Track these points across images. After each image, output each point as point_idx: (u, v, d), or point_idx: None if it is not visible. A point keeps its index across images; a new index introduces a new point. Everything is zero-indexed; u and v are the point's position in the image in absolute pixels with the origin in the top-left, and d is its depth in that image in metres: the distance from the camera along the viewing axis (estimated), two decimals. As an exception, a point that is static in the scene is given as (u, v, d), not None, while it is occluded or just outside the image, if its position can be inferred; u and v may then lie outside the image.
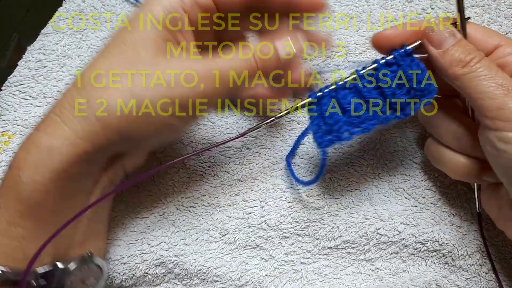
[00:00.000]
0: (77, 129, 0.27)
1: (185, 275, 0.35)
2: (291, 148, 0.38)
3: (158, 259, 0.35)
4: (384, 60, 0.31)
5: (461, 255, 0.35)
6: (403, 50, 0.31)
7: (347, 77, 0.32)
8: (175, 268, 0.35)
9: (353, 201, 0.37)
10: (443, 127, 0.32)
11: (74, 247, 0.31)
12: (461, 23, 0.30)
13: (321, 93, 0.32)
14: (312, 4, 0.32)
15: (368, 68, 0.31)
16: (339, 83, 0.32)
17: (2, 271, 0.27)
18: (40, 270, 0.28)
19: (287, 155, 0.38)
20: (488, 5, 0.41)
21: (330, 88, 0.32)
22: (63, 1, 0.43)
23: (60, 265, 0.29)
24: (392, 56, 0.31)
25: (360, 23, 0.41)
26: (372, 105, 0.31)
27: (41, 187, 0.27)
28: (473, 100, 0.28)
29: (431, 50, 0.30)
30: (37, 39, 0.42)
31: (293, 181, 0.37)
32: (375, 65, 0.31)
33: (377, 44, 0.32)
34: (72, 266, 0.29)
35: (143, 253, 0.35)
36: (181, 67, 0.28)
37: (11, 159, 0.28)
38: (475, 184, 0.34)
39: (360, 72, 0.31)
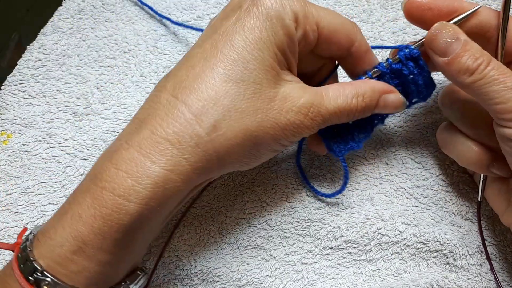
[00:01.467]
0: (197, 165, 0.26)
1: (185, 275, 0.35)
2: (297, 153, 0.37)
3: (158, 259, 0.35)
4: (388, 64, 0.31)
5: (462, 255, 0.35)
6: (408, 51, 0.30)
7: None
8: (176, 269, 0.35)
9: (354, 201, 0.37)
10: (461, 112, 0.32)
11: (139, 261, 0.30)
12: (503, 16, 0.29)
13: None
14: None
15: (371, 73, 0.31)
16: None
17: None
18: None
19: (297, 161, 0.37)
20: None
21: None
22: (63, 1, 0.43)
23: (132, 286, 0.28)
24: (397, 58, 0.31)
25: (360, 23, 0.41)
26: None
27: (144, 220, 0.26)
28: (485, 105, 0.28)
29: (436, 59, 0.29)
30: (36, 39, 0.42)
31: (293, 181, 0.37)
32: (376, 69, 0.31)
33: (409, 11, 0.30)
34: (139, 284, 0.29)
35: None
36: (297, 102, 0.27)
37: (101, 176, 0.25)
38: (481, 174, 0.34)
39: (363, 78, 0.31)
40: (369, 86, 0.30)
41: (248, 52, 0.26)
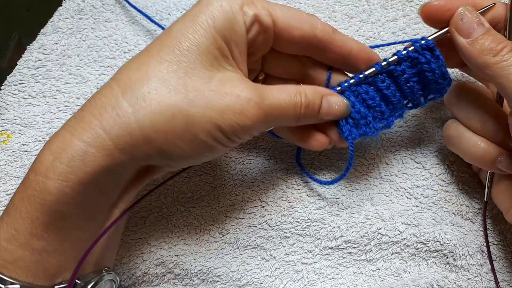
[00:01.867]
0: (118, 139, 0.25)
1: (185, 275, 0.35)
2: (296, 151, 0.38)
3: (158, 258, 0.35)
4: (405, 52, 0.31)
5: (462, 255, 0.35)
6: (424, 42, 0.30)
7: (367, 71, 0.31)
8: (175, 268, 0.35)
9: (354, 201, 0.37)
10: (469, 109, 0.32)
11: (92, 261, 0.29)
12: (510, 18, 0.30)
13: (340, 88, 0.32)
14: (368, 59, 0.31)
15: (390, 60, 0.31)
16: (360, 76, 0.31)
17: (23, 285, 0.25)
18: (59, 286, 0.27)
19: (296, 158, 0.37)
20: None
21: (351, 82, 0.31)
22: (63, 1, 0.43)
23: (79, 282, 0.27)
24: (413, 48, 0.31)
25: (360, 23, 0.41)
26: (393, 101, 0.32)
27: (69, 199, 0.25)
28: (505, 89, 0.28)
29: (458, 39, 0.29)
30: (36, 39, 0.42)
31: (293, 181, 0.37)
32: (395, 57, 0.31)
33: (427, 15, 0.31)
34: (91, 283, 0.28)
35: (143, 253, 0.35)
36: (235, 90, 0.26)
37: (34, 161, 0.26)
38: (488, 173, 0.34)
39: (382, 64, 0.31)
40: (310, 87, 0.30)
41: (182, 34, 0.26)
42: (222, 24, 0.26)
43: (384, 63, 0.31)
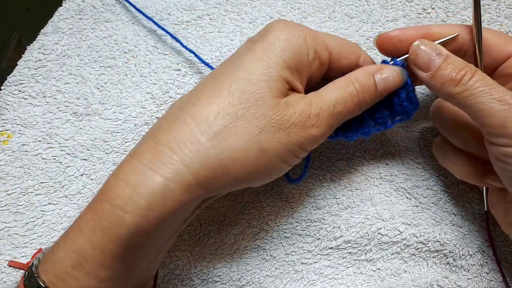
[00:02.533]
0: (198, 174, 0.25)
1: (185, 275, 0.35)
2: None
3: (158, 259, 0.35)
4: None
5: (462, 255, 0.35)
6: (392, 64, 0.30)
7: None
8: (175, 269, 0.35)
9: (354, 201, 0.37)
10: (452, 126, 0.32)
11: (149, 280, 0.30)
12: (477, 28, 0.29)
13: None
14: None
15: None
16: None
17: None
18: None
19: None
20: (488, 5, 0.41)
21: None
22: (63, 1, 0.43)
23: None
24: None
25: (360, 23, 0.41)
26: (360, 120, 0.32)
27: (144, 234, 0.25)
28: (474, 117, 0.27)
29: (419, 74, 0.29)
30: (36, 39, 0.42)
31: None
32: None
33: (381, 46, 0.31)
34: None
35: (143, 253, 0.35)
36: (295, 109, 0.27)
37: (105, 189, 0.25)
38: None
39: None
40: (359, 70, 0.30)
41: (252, 66, 0.27)
42: (290, 55, 0.27)
43: None
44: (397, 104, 0.31)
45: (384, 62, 0.31)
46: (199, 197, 0.26)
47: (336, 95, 0.28)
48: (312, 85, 0.32)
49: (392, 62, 0.30)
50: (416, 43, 0.29)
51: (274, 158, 0.26)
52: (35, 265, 0.26)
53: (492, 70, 0.31)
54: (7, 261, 0.35)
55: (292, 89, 0.28)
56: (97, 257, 0.25)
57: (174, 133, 0.25)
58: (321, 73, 0.30)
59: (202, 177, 0.25)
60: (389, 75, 0.29)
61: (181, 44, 0.41)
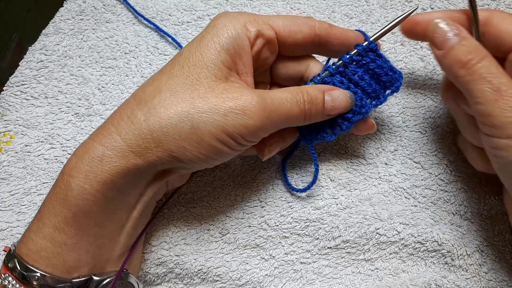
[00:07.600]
0: (131, 143, 0.28)
1: (185, 274, 0.35)
2: (288, 151, 0.38)
3: (159, 258, 0.35)
4: (349, 56, 0.33)
5: (460, 254, 0.35)
6: (366, 45, 0.32)
7: (319, 73, 0.33)
8: (176, 268, 0.35)
9: (352, 201, 0.37)
10: (463, 122, 0.32)
11: (112, 261, 0.31)
12: (474, 19, 0.30)
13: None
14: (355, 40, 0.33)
15: (338, 63, 0.33)
16: (317, 78, 0.33)
17: (43, 274, 0.27)
18: (76, 280, 0.28)
19: (283, 158, 0.38)
20: (488, 5, 0.41)
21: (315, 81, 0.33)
22: (64, 2, 0.44)
23: (95, 277, 0.29)
24: (356, 51, 0.32)
25: (359, 23, 0.41)
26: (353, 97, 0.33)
27: (89, 196, 0.28)
28: (470, 104, 0.27)
29: (434, 51, 0.29)
30: (38, 40, 0.42)
31: (292, 181, 0.37)
32: (341, 61, 0.33)
33: (408, 30, 0.32)
34: (106, 280, 0.30)
35: (144, 253, 0.36)
36: (236, 94, 0.28)
37: (65, 164, 0.29)
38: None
39: (332, 66, 0.33)
40: (311, 85, 0.32)
41: (190, 52, 0.30)
42: (227, 40, 0.29)
43: (334, 66, 0.33)
44: (383, 75, 0.33)
45: (358, 45, 0.33)
46: (137, 166, 0.28)
47: (284, 95, 0.30)
48: (267, 68, 0.34)
49: (367, 42, 0.32)
50: (436, 20, 0.29)
51: (208, 138, 0.28)
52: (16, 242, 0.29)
53: (504, 56, 0.30)
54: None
55: (232, 72, 0.30)
56: (51, 221, 0.28)
57: (118, 112, 0.30)
58: (274, 53, 0.33)
59: (136, 146, 0.28)
60: (339, 95, 0.32)
61: (180, 46, 0.41)
